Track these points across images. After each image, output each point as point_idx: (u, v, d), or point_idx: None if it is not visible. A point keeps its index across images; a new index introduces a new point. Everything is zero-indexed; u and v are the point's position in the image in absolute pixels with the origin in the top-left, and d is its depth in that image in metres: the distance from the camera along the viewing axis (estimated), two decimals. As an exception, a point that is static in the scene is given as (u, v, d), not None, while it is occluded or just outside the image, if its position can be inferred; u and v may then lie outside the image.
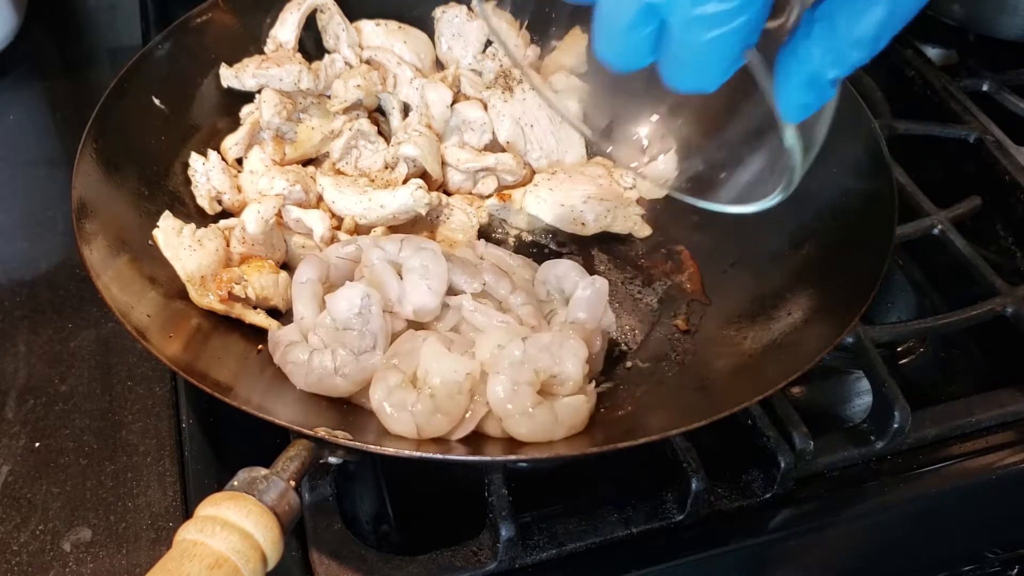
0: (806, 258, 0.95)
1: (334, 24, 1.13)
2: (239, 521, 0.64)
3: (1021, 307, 0.98)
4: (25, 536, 0.83)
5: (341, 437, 0.72)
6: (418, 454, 0.76)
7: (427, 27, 1.19)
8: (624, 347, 0.97)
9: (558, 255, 1.08)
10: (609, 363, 0.94)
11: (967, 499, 0.90)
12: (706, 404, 0.84)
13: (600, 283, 0.91)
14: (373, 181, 1.06)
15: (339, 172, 1.09)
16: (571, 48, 1.18)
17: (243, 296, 0.89)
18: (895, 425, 0.88)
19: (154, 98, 1.02)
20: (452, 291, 0.90)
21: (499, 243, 1.06)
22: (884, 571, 0.92)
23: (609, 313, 0.92)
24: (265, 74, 1.06)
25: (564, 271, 0.94)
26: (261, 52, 1.11)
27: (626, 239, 1.10)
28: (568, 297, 0.92)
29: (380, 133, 1.10)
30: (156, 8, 1.36)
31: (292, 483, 0.68)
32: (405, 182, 1.04)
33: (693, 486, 0.82)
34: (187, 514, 0.84)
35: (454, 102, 1.11)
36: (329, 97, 1.10)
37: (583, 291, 0.90)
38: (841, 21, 0.52)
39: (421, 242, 0.91)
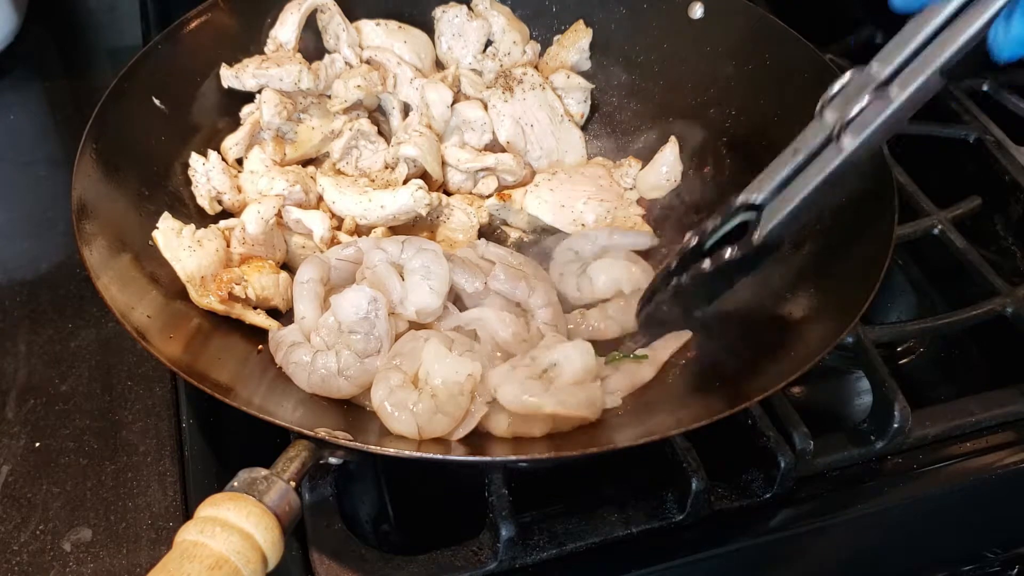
0: (806, 258, 0.95)
1: (334, 24, 1.13)
2: (239, 522, 0.64)
3: (1021, 307, 0.98)
4: (25, 536, 0.84)
5: (341, 437, 0.72)
6: (419, 455, 0.76)
7: (427, 27, 1.19)
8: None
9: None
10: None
11: (967, 499, 0.90)
12: (706, 404, 0.84)
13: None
14: (373, 181, 1.06)
15: (339, 172, 1.09)
16: (572, 44, 1.18)
17: (243, 296, 0.89)
18: (895, 425, 0.88)
19: (154, 98, 1.02)
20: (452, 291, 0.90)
21: (499, 243, 1.06)
22: (884, 571, 0.92)
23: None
24: (265, 74, 1.06)
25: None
26: (261, 52, 1.11)
27: (626, 239, 1.09)
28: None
29: (380, 133, 1.10)
30: (156, 8, 1.36)
31: (292, 483, 0.68)
32: (405, 182, 1.04)
33: (693, 486, 0.82)
34: (187, 514, 0.84)
35: (454, 102, 1.11)
36: (329, 97, 1.10)
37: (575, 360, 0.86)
38: None
39: (423, 243, 0.91)
